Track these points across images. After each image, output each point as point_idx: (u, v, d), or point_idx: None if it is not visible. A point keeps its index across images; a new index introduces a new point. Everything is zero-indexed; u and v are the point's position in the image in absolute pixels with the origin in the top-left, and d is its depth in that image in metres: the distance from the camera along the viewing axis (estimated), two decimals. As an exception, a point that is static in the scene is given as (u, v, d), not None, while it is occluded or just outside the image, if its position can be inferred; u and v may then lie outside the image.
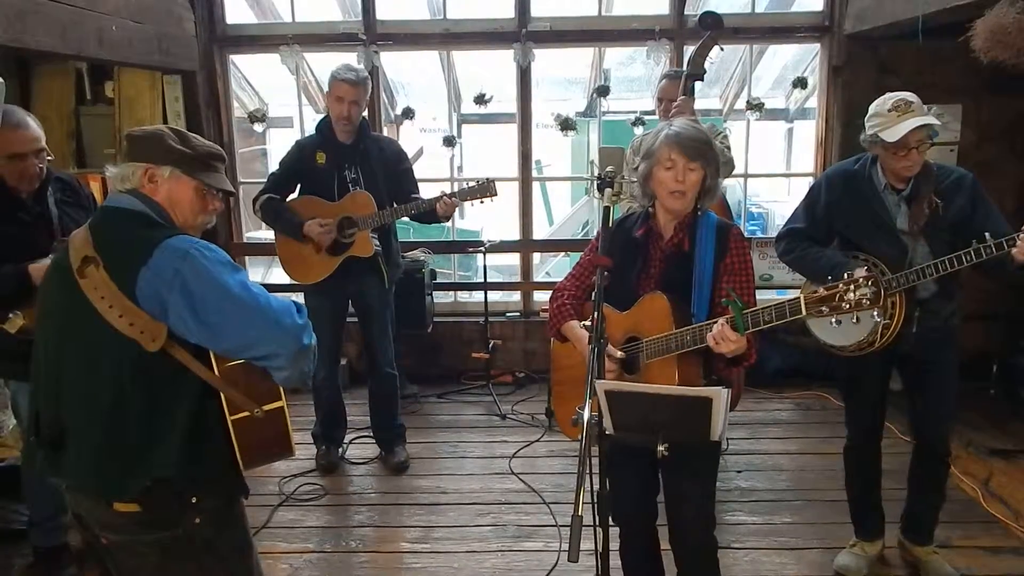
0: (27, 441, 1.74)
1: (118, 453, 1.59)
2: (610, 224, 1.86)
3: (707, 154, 1.97)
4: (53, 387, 1.64)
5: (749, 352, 1.90)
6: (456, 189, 3.52)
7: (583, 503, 1.53)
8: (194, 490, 1.65)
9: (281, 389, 1.72)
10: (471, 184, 3.46)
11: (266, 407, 1.68)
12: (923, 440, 2.74)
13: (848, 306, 1.66)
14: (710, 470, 2.12)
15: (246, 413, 1.66)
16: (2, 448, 3.26)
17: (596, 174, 1.85)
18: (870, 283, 1.65)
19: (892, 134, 2.36)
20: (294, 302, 1.69)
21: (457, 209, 3.61)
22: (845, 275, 1.74)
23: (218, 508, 1.72)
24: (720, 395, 1.62)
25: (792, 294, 1.84)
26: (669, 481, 2.12)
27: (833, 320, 1.71)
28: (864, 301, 1.65)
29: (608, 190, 1.84)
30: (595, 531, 1.71)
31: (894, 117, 2.38)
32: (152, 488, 1.60)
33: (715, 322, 1.82)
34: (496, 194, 3.44)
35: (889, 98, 2.43)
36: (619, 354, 2.02)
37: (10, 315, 2.50)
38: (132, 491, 1.59)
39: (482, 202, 3.45)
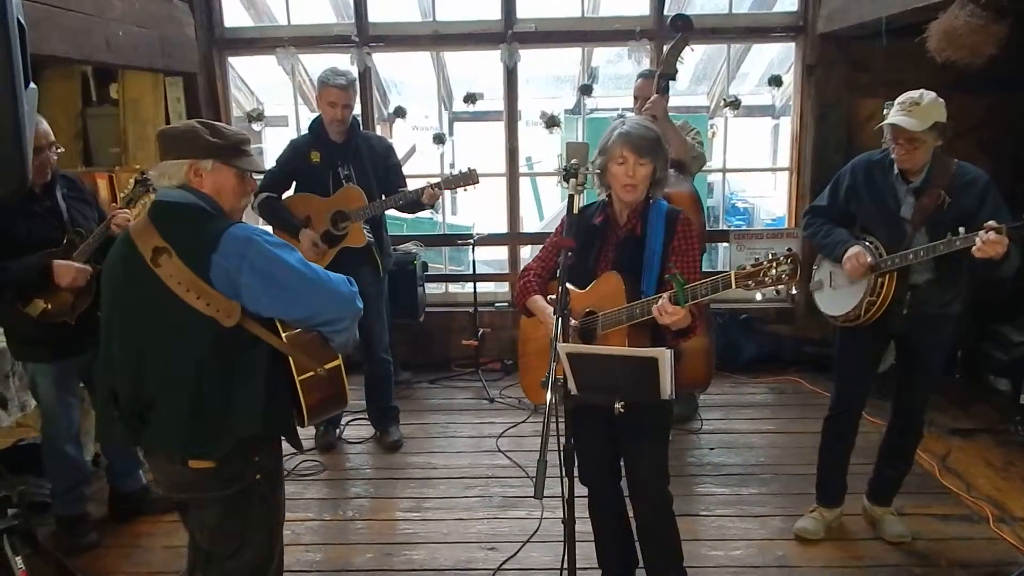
0: (101, 415, 1.94)
1: (206, 418, 1.78)
2: (574, 211, 2.08)
3: (655, 150, 2.18)
4: (133, 367, 1.81)
5: (693, 325, 2.11)
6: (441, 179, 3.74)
7: (549, 451, 1.75)
8: (257, 449, 1.85)
9: None
10: (455, 173, 3.68)
11: (327, 366, 1.89)
12: (901, 413, 2.92)
13: (770, 280, 1.86)
14: (663, 430, 2.34)
15: (311, 373, 1.87)
16: (24, 428, 3.46)
17: (563, 166, 2.07)
18: (789, 261, 1.84)
19: (884, 124, 2.58)
20: (345, 276, 1.90)
21: (447, 201, 3.82)
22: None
23: (272, 466, 1.93)
24: (664, 355, 1.84)
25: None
26: (627, 442, 2.34)
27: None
28: (783, 276, 1.84)
29: (573, 180, 2.05)
30: (562, 480, 1.93)
31: (895, 109, 2.55)
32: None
33: (660, 297, 2.04)
34: (478, 181, 3.65)
35: (910, 93, 2.54)
36: (574, 322, 2.22)
37: (34, 299, 2.73)
38: (223, 450, 1.79)
39: (466, 190, 3.67)
